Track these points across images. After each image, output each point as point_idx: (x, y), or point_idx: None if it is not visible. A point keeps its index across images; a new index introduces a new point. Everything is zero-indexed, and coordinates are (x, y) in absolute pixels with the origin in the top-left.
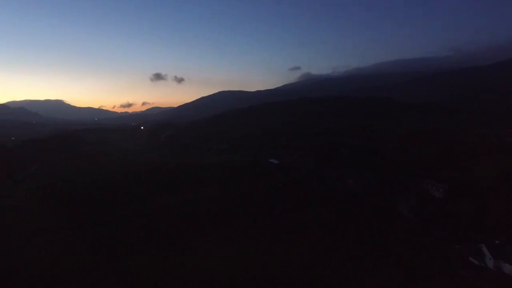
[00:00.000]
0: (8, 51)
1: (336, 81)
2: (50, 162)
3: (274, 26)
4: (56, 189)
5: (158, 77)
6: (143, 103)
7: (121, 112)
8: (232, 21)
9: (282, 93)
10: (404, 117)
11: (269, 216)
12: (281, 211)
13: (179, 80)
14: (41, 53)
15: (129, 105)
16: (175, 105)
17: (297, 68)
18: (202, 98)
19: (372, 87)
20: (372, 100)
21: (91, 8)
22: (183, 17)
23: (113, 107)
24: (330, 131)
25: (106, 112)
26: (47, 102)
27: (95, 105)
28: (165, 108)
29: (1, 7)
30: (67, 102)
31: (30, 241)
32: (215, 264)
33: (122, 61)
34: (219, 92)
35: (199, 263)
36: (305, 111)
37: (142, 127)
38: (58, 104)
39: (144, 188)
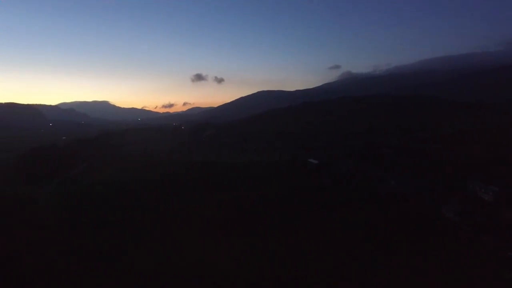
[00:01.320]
0: (59, 55)
1: (377, 79)
2: (97, 160)
3: (314, 25)
4: (103, 186)
5: (199, 77)
6: (184, 103)
7: (163, 112)
8: (271, 20)
9: (321, 93)
10: (451, 116)
11: (308, 216)
12: (321, 211)
13: (219, 81)
14: (89, 56)
15: (171, 105)
16: (215, 105)
17: (337, 66)
18: (242, 98)
19: (416, 85)
20: (416, 98)
21: (135, 13)
22: (223, 18)
23: (156, 108)
24: (371, 131)
25: (149, 112)
26: (94, 103)
27: (138, 105)
28: (206, 108)
29: (51, 14)
30: (112, 103)
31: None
32: (254, 261)
33: (164, 62)
34: (258, 92)
35: (237, 261)
36: (345, 111)
37: (183, 127)
38: (104, 105)
39: (184, 187)
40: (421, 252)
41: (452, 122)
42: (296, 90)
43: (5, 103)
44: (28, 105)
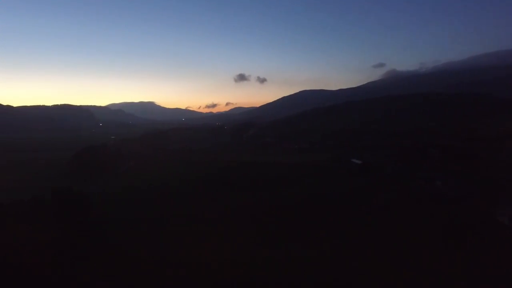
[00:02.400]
0: (108, 59)
1: (424, 77)
2: (143, 159)
3: (357, 22)
4: (148, 184)
5: (241, 77)
6: (227, 104)
7: (206, 112)
8: (314, 19)
9: (365, 91)
10: (506, 115)
11: (351, 218)
12: (365, 213)
13: (262, 81)
14: (136, 59)
15: (214, 105)
16: (257, 105)
17: (381, 65)
18: (284, 97)
19: (467, 82)
20: (466, 96)
21: (180, 15)
22: (265, 19)
23: (199, 108)
24: (418, 131)
25: (192, 112)
26: (141, 103)
27: (182, 106)
28: (248, 108)
29: (100, 20)
30: (158, 104)
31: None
32: (294, 265)
33: (208, 63)
34: (301, 92)
35: (277, 263)
36: (390, 110)
37: (225, 127)
38: (150, 106)
39: (226, 186)
40: (474, 259)
41: (508, 121)
42: (339, 89)
43: (60, 105)
44: (80, 106)
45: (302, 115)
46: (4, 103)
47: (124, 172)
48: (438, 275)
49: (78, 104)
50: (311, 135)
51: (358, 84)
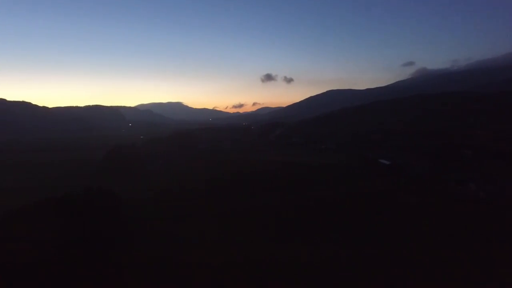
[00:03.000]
0: (137, 60)
1: (456, 75)
2: (171, 158)
3: (385, 20)
4: (176, 182)
5: (268, 77)
6: (254, 104)
7: (233, 112)
8: (341, 18)
9: (394, 91)
10: None
11: (379, 220)
12: (393, 214)
13: (289, 80)
14: (164, 60)
15: (241, 105)
16: (284, 105)
17: (411, 63)
18: (311, 97)
19: (504, 80)
20: (502, 95)
21: (206, 16)
22: (293, 18)
23: (226, 108)
24: (449, 130)
25: (219, 112)
26: (169, 104)
27: (209, 106)
28: (275, 108)
29: (129, 22)
30: (185, 104)
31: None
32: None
33: (235, 63)
34: (328, 91)
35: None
36: (420, 109)
37: (252, 127)
38: (178, 106)
39: (252, 185)
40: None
41: None
42: (367, 89)
43: (92, 105)
44: (111, 107)
45: (329, 115)
46: (41, 104)
47: (152, 171)
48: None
49: (108, 104)
50: (339, 135)
51: (387, 83)
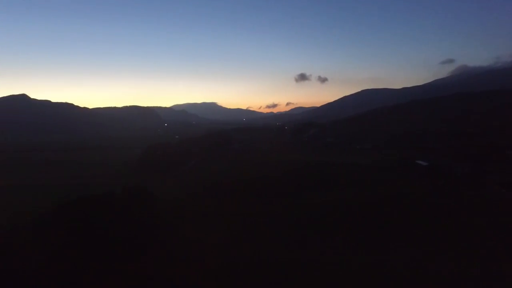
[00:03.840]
0: (173, 61)
1: (499, 72)
2: (206, 157)
3: (422, 16)
4: (209, 182)
5: (302, 77)
6: (287, 104)
7: (267, 112)
8: (375, 15)
9: (432, 90)
10: None
11: (417, 222)
12: (431, 217)
13: (323, 80)
14: (199, 60)
15: (274, 105)
16: (318, 105)
17: (450, 61)
18: (345, 97)
19: None
20: None
21: (239, 17)
22: (326, 18)
23: (259, 108)
24: (492, 131)
25: (253, 112)
26: (203, 104)
27: (243, 106)
28: (308, 108)
29: (162, 24)
30: (219, 104)
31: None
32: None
33: (269, 63)
34: (363, 91)
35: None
36: (460, 109)
37: (286, 127)
38: (212, 106)
39: (286, 186)
40: None
41: None
42: (403, 88)
43: (129, 106)
44: (147, 107)
45: (364, 115)
46: (81, 105)
47: (187, 170)
48: None
49: (145, 105)
50: (374, 135)
51: (424, 82)
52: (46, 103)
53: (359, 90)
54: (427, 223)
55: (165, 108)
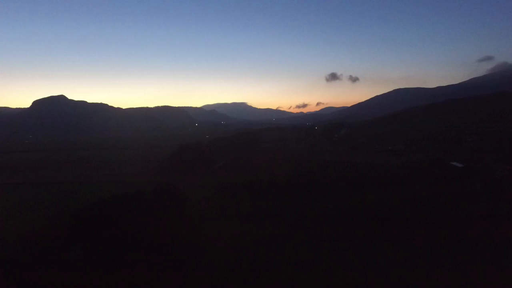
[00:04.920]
0: (204, 62)
1: None
2: (236, 157)
3: (458, 12)
4: (239, 181)
5: (333, 77)
6: (318, 103)
7: (297, 112)
8: (408, 12)
9: (469, 88)
10: None
11: (450, 227)
12: (467, 221)
13: (354, 80)
14: (229, 61)
15: (304, 105)
16: (349, 105)
17: (489, 58)
18: (377, 96)
19: None
20: None
21: (268, 17)
22: (357, 16)
23: (289, 108)
24: None
25: (283, 112)
26: (233, 104)
27: (273, 106)
28: (339, 107)
29: (192, 26)
30: (249, 104)
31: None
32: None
33: (299, 63)
34: (395, 90)
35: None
36: (499, 108)
37: (316, 127)
38: (242, 106)
39: (316, 186)
40: None
41: None
42: (438, 87)
43: (161, 106)
44: (178, 107)
45: (396, 114)
46: (115, 105)
47: (217, 169)
48: None
49: (176, 105)
50: (407, 136)
51: (460, 81)
52: (82, 104)
53: (391, 89)
54: (457, 228)
55: (196, 108)
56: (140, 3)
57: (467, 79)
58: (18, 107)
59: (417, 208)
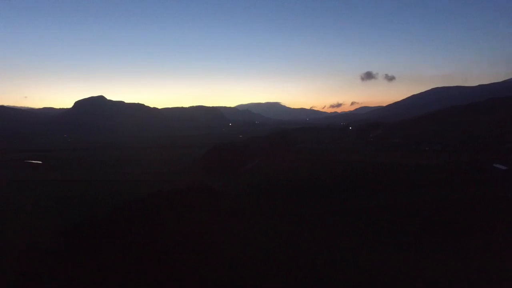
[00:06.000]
0: (238, 61)
1: None
2: (269, 157)
3: (501, 5)
4: (273, 180)
5: (368, 76)
6: (352, 103)
7: (331, 112)
8: (446, 6)
9: None
10: None
11: (491, 232)
12: (509, 226)
13: (390, 79)
14: (263, 61)
15: (338, 105)
16: (384, 104)
17: None
18: (413, 96)
19: None
20: None
21: (304, 16)
22: (394, 12)
23: (323, 107)
24: None
25: (317, 112)
26: (267, 104)
27: (306, 106)
28: (374, 107)
29: (227, 26)
30: (283, 104)
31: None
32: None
33: (333, 61)
34: (433, 89)
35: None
36: None
37: (350, 127)
38: (276, 106)
39: (349, 186)
40: None
41: None
42: (480, 85)
43: (195, 106)
44: (212, 107)
45: (434, 114)
46: (151, 105)
47: (251, 168)
48: None
49: (210, 105)
50: (445, 136)
51: (504, 79)
52: (120, 104)
53: (429, 88)
54: (500, 230)
55: (230, 108)
56: (174, 5)
57: (511, 77)
58: (61, 107)
59: (459, 213)
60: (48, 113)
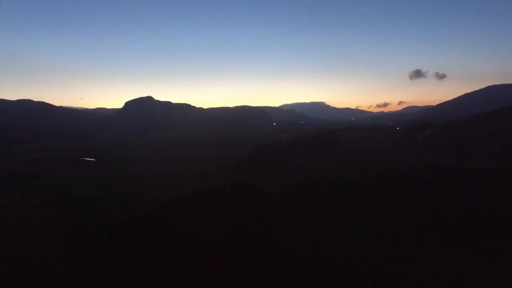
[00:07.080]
0: (282, 61)
1: None
2: (313, 157)
3: None
4: (317, 181)
5: (417, 74)
6: (399, 103)
7: (377, 112)
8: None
9: None
10: None
11: None
12: None
13: (440, 77)
14: (308, 60)
15: (385, 104)
16: (434, 104)
17: None
18: (466, 94)
19: None
20: None
21: (349, 15)
22: (444, 8)
23: (369, 107)
24: None
25: (363, 112)
26: (312, 104)
27: (352, 105)
28: (422, 107)
29: (267, 27)
30: (328, 104)
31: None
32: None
33: (380, 60)
34: (488, 87)
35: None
36: None
37: (397, 127)
38: (321, 106)
39: (396, 189)
40: None
41: None
42: None
43: (240, 106)
44: (257, 107)
45: (489, 113)
46: (197, 105)
47: (295, 169)
48: None
49: (255, 105)
50: (503, 137)
51: None
52: (167, 104)
53: (483, 86)
54: None
55: (274, 107)
56: (222, 7)
57: None
58: (113, 107)
59: (499, 215)
60: (100, 113)
